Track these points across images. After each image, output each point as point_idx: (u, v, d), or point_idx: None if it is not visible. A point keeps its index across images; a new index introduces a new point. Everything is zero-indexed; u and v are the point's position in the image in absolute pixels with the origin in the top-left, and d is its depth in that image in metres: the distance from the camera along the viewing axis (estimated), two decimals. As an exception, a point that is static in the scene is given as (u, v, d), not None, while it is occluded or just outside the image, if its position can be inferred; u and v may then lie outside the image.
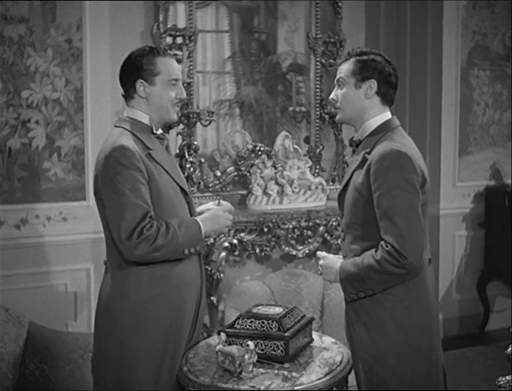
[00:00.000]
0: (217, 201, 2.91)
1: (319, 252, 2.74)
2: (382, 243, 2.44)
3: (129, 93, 2.70)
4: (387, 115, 2.65)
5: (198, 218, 2.69)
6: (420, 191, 2.48)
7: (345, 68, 2.63)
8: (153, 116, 2.70)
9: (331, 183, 4.90)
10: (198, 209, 2.85)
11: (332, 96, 2.69)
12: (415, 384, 2.53)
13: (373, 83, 2.58)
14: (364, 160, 2.54)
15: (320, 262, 2.70)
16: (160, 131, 2.77)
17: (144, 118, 2.69)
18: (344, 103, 2.64)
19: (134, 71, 2.66)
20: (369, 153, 2.53)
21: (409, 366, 2.52)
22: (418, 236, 2.43)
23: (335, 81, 2.68)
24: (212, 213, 2.77)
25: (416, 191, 2.46)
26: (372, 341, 2.54)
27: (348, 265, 2.55)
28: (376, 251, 2.46)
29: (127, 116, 2.71)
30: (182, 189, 2.74)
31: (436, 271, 5.42)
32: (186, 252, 2.61)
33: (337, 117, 2.72)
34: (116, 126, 2.70)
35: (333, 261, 2.65)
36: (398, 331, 2.52)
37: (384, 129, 2.59)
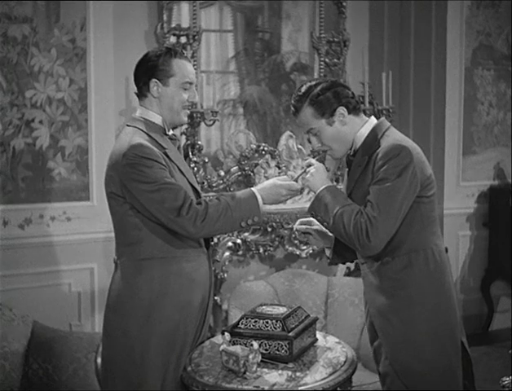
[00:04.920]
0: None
1: (311, 160, 2.70)
2: (364, 212, 2.45)
3: (142, 91, 2.71)
4: (372, 121, 2.67)
5: (254, 188, 2.66)
6: (418, 182, 2.51)
7: (307, 118, 2.63)
8: (164, 117, 2.71)
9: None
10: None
11: (315, 146, 2.68)
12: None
13: (342, 109, 2.59)
14: (368, 162, 2.57)
15: (312, 170, 2.64)
16: (172, 132, 2.78)
17: (157, 119, 2.70)
18: (330, 143, 2.64)
19: (149, 70, 2.67)
20: (372, 155, 2.56)
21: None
22: (389, 226, 2.46)
23: (306, 133, 2.69)
24: (270, 182, 2.71)
25: (411, 184, 2.48)
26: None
27: (334, 196, 2.55)
28: (357, 213, 2.47)
29: (140, 116, 2.71)
30: (194, 189, 2.74)
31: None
32: (243, 224, 2.59)
33: (334, 158, 2.72)
34: (128, 126, 2.70)
35: (324, 176, 2.63)
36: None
37: (378, 132, 2.61)
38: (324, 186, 2.59)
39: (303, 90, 2.65)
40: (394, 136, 2.59)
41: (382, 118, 2.73)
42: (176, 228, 2.54)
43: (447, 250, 2.71)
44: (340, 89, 2.63)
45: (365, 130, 2.63)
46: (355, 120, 2.63)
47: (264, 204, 2.64)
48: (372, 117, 2.70)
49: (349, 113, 2.61)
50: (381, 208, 2.45)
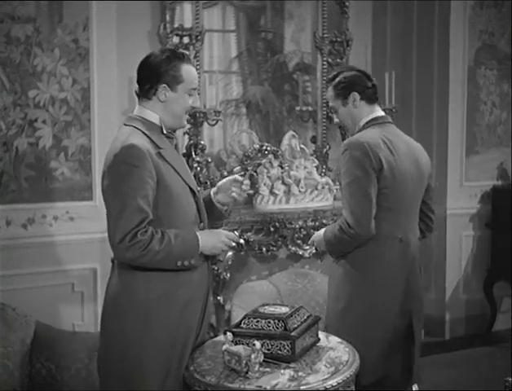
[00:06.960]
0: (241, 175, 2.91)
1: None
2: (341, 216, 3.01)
3: (147, 94, 2.68)
4: (375, 114, 3.12)
5: (198, 233, 2.65)
6: (374, 174, 2.91)
7: (329, 97, 3.17)
8: (164, 120, 2.70)
9: (337, 183, 4.89)
10: (218, 183, 2.94)
11: (334, 121, 3.27)
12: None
13: (355, 94, 3.08)
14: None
15: (312, 238, 3.30)
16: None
17: (154, 118, 2.68)
18: (343, 121, 3.17)
19: (158, 74, 2.64)
20: None
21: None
22: (365, 213, 2.93)
23: (330, 110, 3.33)
24: (215, 231, 2.75)
25: (367, 174, 2.91)
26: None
27: (328, 232, 3.12)
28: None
29: (138, 114, 2.70)
30: (190, 189, 2.73)
31: (443, 271, 5.42)
32: (179, 263, 2.55)
33: (349, 134, 3.21)
34: (125, 125, 2.70)
35: (319, 233, 3.24)
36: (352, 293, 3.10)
37: (367, 126, 3.06)
38: (324, 241, 3.15)
39: (332, 76, 3.16)
40: (362, 132, 3.03)
41: (379, 115, 3.12)
42: (113, 248, 2.53)
43: (401, 240, 3.04)
44: (360, 77, 3.11)
45: (363, 122, 3.09)
46: (363, 107, 3.11)
47: (202, 248, 2.62)
48: (377, 111, 3.12)
49: (362, 100, 3.09)
50: (351, 207, 2.94)
